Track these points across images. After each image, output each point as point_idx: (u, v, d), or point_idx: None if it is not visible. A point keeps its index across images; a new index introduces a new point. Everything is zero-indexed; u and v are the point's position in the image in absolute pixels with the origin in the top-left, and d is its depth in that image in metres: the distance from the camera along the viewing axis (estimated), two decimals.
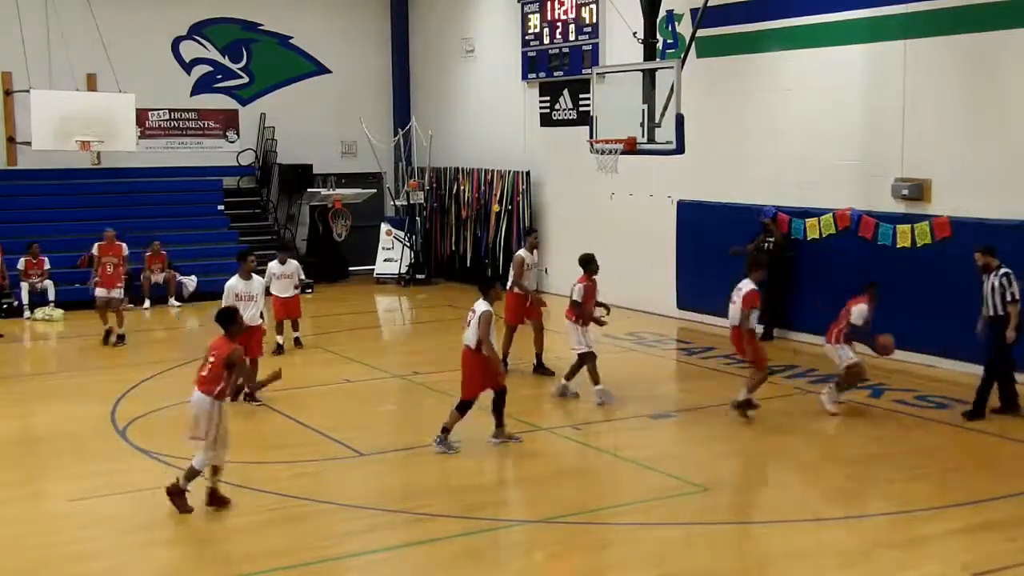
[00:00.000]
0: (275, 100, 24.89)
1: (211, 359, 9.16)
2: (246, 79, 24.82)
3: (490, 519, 9.02)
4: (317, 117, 24.94)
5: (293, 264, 16.22)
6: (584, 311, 12.83)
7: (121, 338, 16.87)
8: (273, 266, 16.02)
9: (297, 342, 16.31)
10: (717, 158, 17.48)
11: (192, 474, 9.22)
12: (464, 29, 23.97)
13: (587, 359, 12.78)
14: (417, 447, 11.32)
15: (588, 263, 13.11)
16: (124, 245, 17.89)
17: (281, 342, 15.92)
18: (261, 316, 13.17)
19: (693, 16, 16.51)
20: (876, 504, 9.41)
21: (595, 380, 12.78)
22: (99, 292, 17.14)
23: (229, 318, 9.45)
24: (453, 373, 14.66)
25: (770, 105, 16.82)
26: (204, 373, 9.15)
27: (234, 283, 13.05)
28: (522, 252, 14.69)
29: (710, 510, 9.29)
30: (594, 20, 19.87)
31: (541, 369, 14.36)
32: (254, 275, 13.32)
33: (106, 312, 17.04)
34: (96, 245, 17.74)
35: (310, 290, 22.42)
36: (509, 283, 14.40)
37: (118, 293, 17.17)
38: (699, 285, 18.14)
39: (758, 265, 12.55)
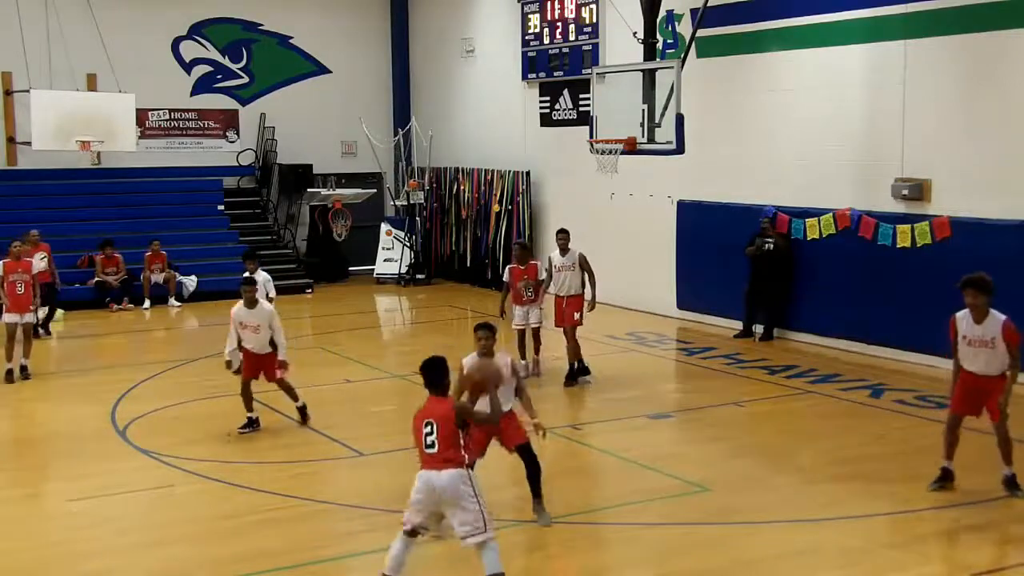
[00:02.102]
0: (275, 100, 24.90)
1: (429, 428, 7.08)
2: (246, 79, 24.82)
3: None
4: (317, 117, 24.95)
5: (261, 276, 14.37)
6: (512, 292, 14.04)
7: (24, 371, 14.60)
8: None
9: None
10: (717, 158, 17.48)
11: None
12: (464, 29, 23.97)
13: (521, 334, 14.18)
14: None
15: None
16: (33, 261, 15.33)
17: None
18: (271, 344, 11.85)
19: (693, 16, 16.51)
20: (876, 504, 9.40)
21: (521, 355, 14.08)
22: (8, 318, 14.66)
23: (439, 371, 7.29)
24: (452, 373, 14.69)
25: (770, 105, 16.82)
26: (434, 450, 7.04)
27: (236, 310, 11.89)
28: (551, 254, 14.20)
29: (710, 510, 9.28)
30: (594, 20, 19.87)
31: (572, 379, 13.83)
32: (261, 301, 12.06)
33: (13, 344, 14.65)
34: (1, 263, 14.89)
35: (310, 291, 22.46)
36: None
37: (31, 317, 14.84)
38: (699, 285, 18.15)
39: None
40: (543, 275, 14.11)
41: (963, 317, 9.53)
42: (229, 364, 11.97)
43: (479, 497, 7.04)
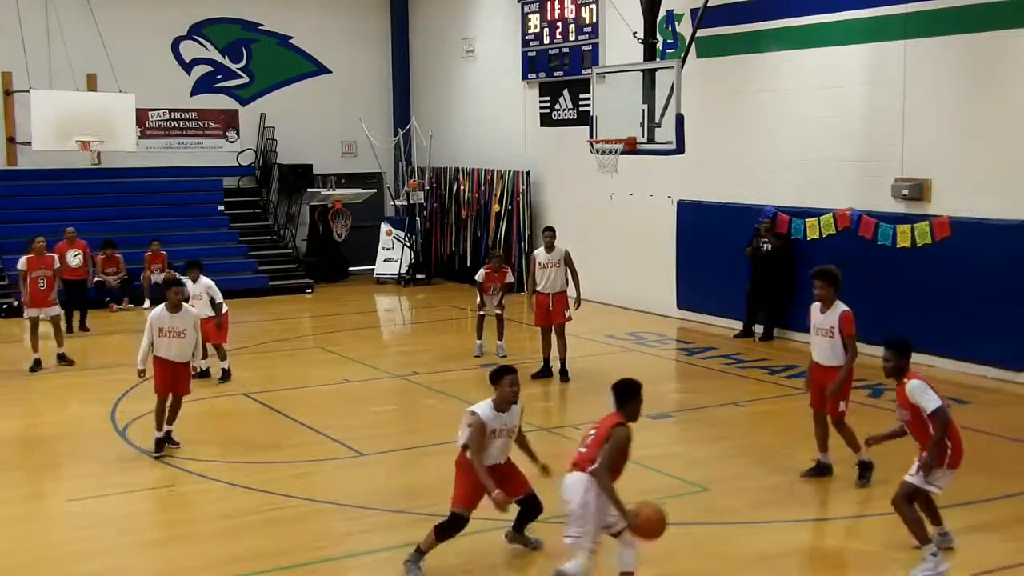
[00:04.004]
0: (275, 100, 24.90)
1: (593, 431, 7.43)
2: (246, 79, 24.82)
3: (490, 519, 9.01)
4: (317, 117, 24.96)
5: (203, 282, 14.00)
6: (482, 289, 15.47)
7: (64, 358, 15.25)
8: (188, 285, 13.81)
9: (224, 375, 14.18)
10: (717, 158, 17.49)
11: None
12: (464, 29, 23.97)
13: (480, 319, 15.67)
14: (417, 447, 11.33)
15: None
16: (56, 257, 15.89)
17: (206, 366, 14.28)
18: (194, 354, 11.31)
19: (693, 16, 16.51)
20: (876, 504, 9.40)
21: (478, 337, 15.70)
22: (31, 312, 15.06)
23: (628, 393, 7.48)
24: (453, 373, 14.76)
25: (770, 105, 16.82)
26: (583, 450, 7.36)
27: (158, 314, 11.01)
28: (536, 251, 14.57)
29: (710, 510, 9.28)
30: (594, 20, 19.87)
31: (564, 376, 14.10)
32: (184, 305, 11.23)
33: (38, 337, 15.03)
34: (24, 259, 15.34)
35: (310, 291, 22.46)
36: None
37: (54, 311, 15.25)
38: (699, 285, 18.16)
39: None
40: (510, 279, 15.60)
41: (815, 307, 9.83)
42: (143, 373, 11.16)
43: (586, 506, 7.09)
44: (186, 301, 11.44)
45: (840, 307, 9.70)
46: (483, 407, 7.94)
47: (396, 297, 22.66)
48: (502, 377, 7.96)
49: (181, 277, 12.75)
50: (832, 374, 9.68)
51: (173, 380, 11.04)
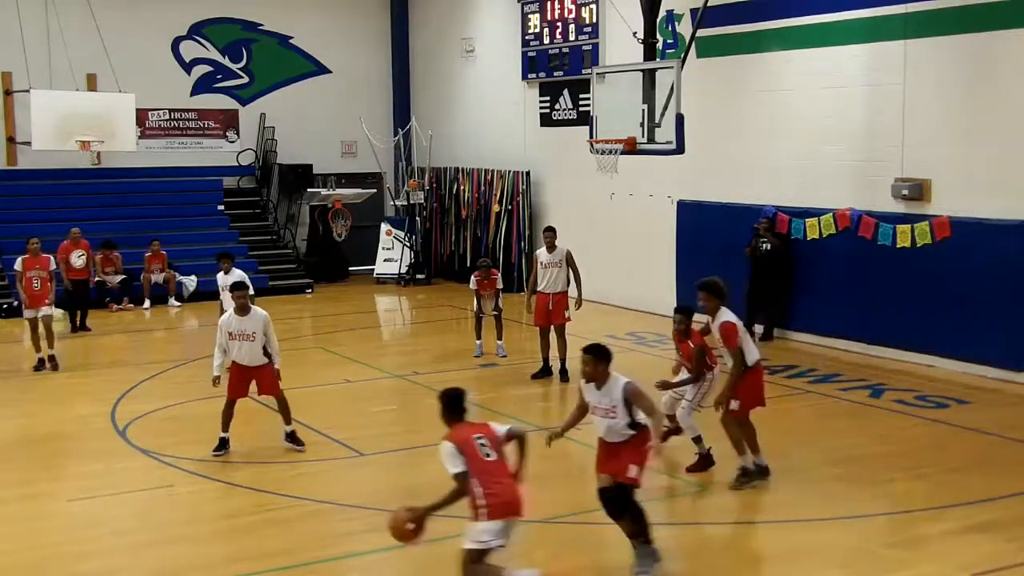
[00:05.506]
0: (275, 100, 24.90)
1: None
2: (246, 79, 24.82)
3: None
4: (317, 117, 24.96)
5: (235, 274, 14.10)
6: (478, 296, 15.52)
7: (52, 360, 15.16)
8: (219, 277, 14.56)
9: None
10: (717, 158, 17.48)
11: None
12: (464, 29, 23.97)
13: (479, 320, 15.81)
14: (417, 447, 11.32)
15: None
16: (51, 257, 15.87)
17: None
18: (266, 354, 11.02)
19: (693, 16, 16.51)
20: (876, 504, 9.41)
21: (477, 337, 15.80)
22: (27, 313, 15.24)
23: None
24: (453, 373, 14.74)
25: (770, 105, 16.82)
26: None
27: (227, 319, 11.02)
28: (538, 251, 14.57)
29: (710, 510, 9.28)
30: (594, 20, 19.87)
31: (564, 376, 13.98)
32: (254, 308, 11.04)
33: (38, 336, 15.19)
34: (20, 259, 15.48)
35: (310, 291, 22.47)
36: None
37: (48, 311, 15.19)
38: None
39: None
40: (500, 284, 15.58)
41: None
42: (217, 380, 11.00)
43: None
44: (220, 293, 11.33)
45: (720, 318, 9.76)
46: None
47: (396, 297, 22.66)
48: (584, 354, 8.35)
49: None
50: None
51: (247, 382, 10.99)
